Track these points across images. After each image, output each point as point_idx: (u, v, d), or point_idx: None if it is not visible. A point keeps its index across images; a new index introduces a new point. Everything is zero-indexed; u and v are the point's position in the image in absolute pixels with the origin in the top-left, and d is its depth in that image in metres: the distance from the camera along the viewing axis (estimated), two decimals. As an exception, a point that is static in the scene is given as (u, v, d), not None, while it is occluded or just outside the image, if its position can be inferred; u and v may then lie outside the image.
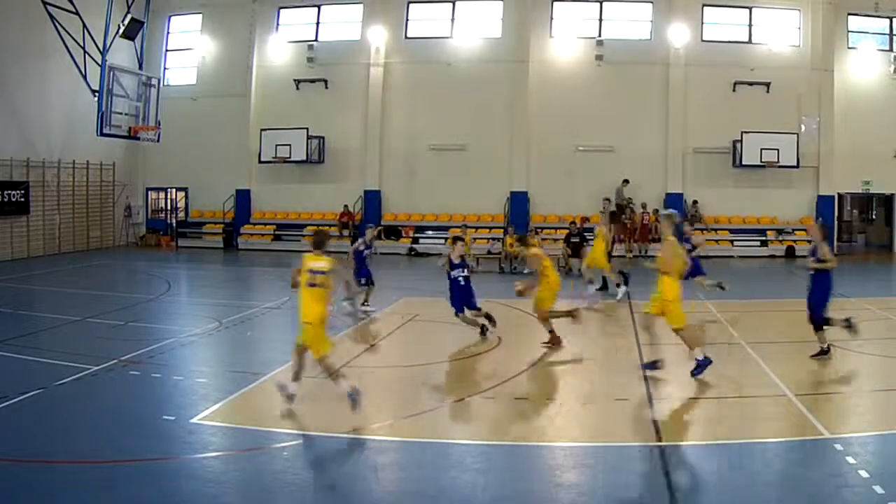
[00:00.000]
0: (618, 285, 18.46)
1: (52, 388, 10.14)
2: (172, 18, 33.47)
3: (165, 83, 31.62)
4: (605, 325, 16.03)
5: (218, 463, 7.77)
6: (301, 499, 6.96)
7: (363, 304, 16.45)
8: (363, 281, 16.46)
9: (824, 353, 11.70)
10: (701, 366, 10.51)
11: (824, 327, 11.73)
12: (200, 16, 33.02)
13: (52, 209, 28.29)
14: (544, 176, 30.26)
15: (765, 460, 7.72)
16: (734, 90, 29.75)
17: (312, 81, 31.67)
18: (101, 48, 25.42)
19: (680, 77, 29.87)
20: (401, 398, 10.35)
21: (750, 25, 30.14)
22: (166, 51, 33.47)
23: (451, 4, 31.31)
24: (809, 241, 12.88)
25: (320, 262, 9.11)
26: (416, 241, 30.08)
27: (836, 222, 30.52)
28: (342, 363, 11.65)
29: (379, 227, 13.77)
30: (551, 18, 30.74)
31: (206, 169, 32.25)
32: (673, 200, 29.74)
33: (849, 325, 11.91)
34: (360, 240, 17.30)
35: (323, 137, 31.44)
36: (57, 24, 24.85)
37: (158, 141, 28.49)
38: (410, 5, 31.52)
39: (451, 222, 28.37)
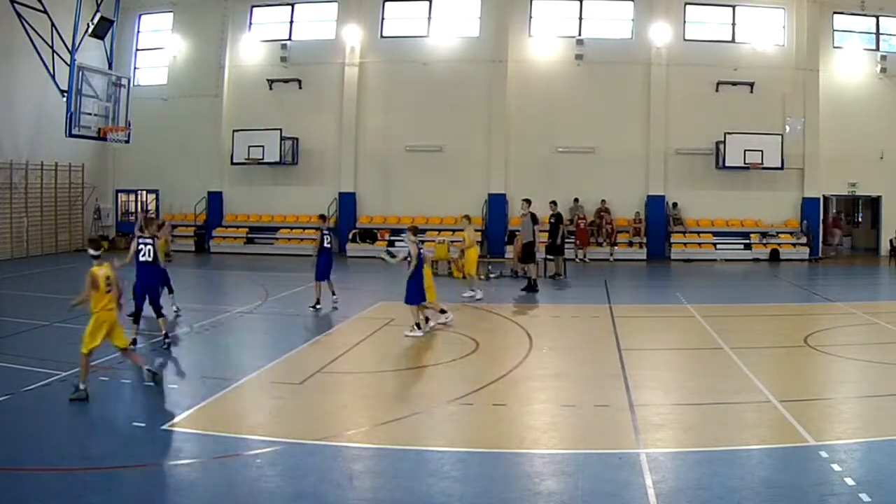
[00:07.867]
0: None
1: (20, 394, 9.97)
2: (143, 17, 32.75)
3: (136, 83, 30.99)
4: (584, 330, 15.69)
5: (189, 470, 7.70)
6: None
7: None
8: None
9: None
10: None
11: None
12: (172, 14, 32.27)
13: (19, 212, 27.65)
14: (523, 178, 29.54)
15: (748, 468, 7.57)
16: (717, 90, 29.22)
17: (286, 81, 31.01)
18: (69, 47, 25.25)
19: (662, 77, 29.33)
20: (376, 404, 10.13)
21: (733, 24, 29.67)
22: (136, 50, 32.76)
23: (427, 3, 30.66)
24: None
25: None
26: (391, 244, 29.31)
27: (821, 225, 30.00)
28: (315, 369, 11.53)
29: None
30: (530, 17, 30.18)
31: (178, 170, 31.56)
32: (655, 203, 29.34)
33: None
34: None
35: (297, 139, 30.77)
36: (25, 22, 24.50)
37: (128, 142, 28.17)
38: (386, 3, 30.88)
39: (428, 225, 27.74)
